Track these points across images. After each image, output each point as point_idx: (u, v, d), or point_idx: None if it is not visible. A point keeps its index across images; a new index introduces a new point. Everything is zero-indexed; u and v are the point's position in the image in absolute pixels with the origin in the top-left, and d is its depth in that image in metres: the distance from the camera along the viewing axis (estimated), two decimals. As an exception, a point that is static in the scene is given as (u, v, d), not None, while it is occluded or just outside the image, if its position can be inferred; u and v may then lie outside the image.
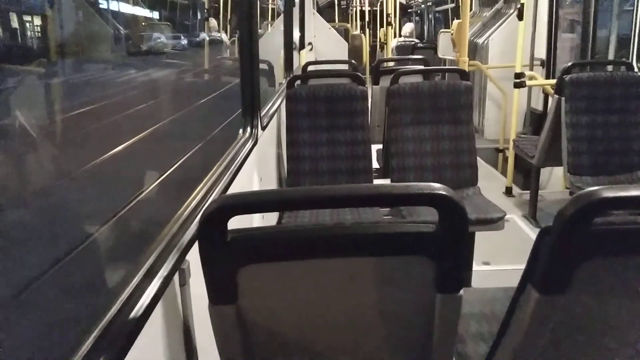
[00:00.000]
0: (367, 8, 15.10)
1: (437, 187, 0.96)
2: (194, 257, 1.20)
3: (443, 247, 1.01)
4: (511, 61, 4.73)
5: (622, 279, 1.04)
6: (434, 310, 1.07)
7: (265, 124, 2.69)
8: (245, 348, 1.11)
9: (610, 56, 4.98)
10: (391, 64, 5.95)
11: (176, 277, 1.21)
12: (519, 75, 4.27)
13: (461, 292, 1.06)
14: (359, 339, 1.15)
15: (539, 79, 5.03)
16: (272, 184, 3.12)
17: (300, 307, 1.09)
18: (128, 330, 0.97)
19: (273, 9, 12.76)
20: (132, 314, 1.00)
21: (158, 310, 1.09)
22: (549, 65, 5.61)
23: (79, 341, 0.89)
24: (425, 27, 15.26)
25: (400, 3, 13.03)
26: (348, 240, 1.02)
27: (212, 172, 1.80)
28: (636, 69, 3.93)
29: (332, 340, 1.15)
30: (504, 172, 5.25)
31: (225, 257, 1.00)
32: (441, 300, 1.05)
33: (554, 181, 5.11)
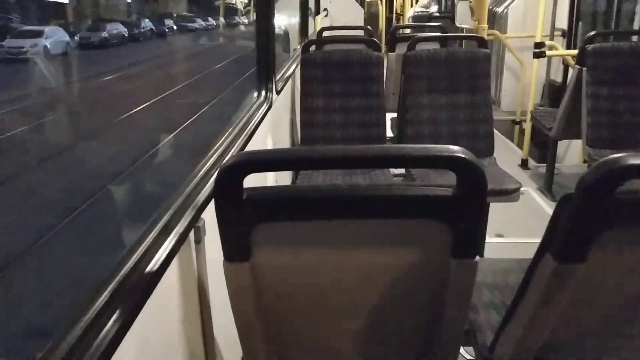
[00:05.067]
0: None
1: (456, 150, 0.94)
2: (209, 215, 1.20)
3: (460, 212, 0.99)
4: (530, 31, 4.63)
5: None
6: (448, 276, 1.06)
7: (279, 88, 2.66)
8: (258, 305, 1.12)
9: (635, 26, 4.83)
10: (408, 31, 5.83)
11: (192, 235, 1.22)
12: (539, 45, 4.17)
13: (476, 258, 1.04)
14: (372, 301, 1.15)
15: (559, 49, 4.91)
16: None
17: (313, 266, 1.09)
18: (144, 284, 0.98)
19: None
20: (148, 269, 1.01)
21: (173, 266, 1.10)
22: (570, 36, 5.47)
23: (94, 293, 0.89)
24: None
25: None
26: (364, 202, 1.01)
27: (226, 134, 1.79)
28: (662, 40, 3.81)
29: (344, 301, 1.15)
30: (520, 145, 5.18)
31: (240, 214, 1.00)
32: (456, 265, 1.04)
33: (571, 155, 5.04)
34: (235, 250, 1.04)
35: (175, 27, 12.84)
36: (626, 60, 3.16)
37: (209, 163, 1.50)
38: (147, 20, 10.37)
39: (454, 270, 1.05)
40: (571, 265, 1.01)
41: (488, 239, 2.91)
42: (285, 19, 6.12)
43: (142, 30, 10.35)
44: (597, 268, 1.01)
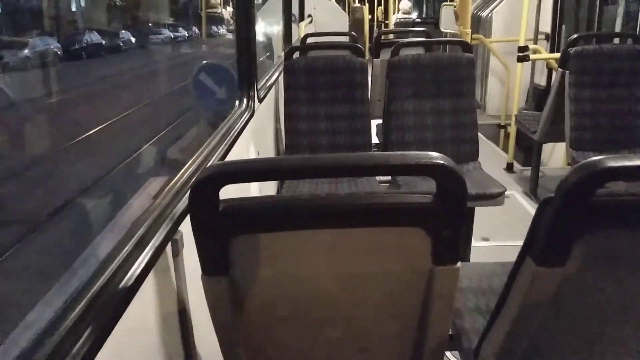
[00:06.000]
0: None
1: (435, 156, 0.93)
2: (187, 228, 1.18)
3: (440, 219, 0.98)
4: (515, 35, 4.65)
5: (623, 252, 1.01)
6: (430, 283, 1.05)
7: (262, 96, 2.64)
8: (239, 317, 1.10)
9: (617, 29, 4.88)
10: (392, 37, 5.86)
11: (169, 248, 1.20)
12: (522, 49, 4.19)
13: (458, 264, 1.03)
14: (354, 310, 1.13)
15: (543, 52, 4.95)
16: None
17: (294, 277, 1.07)
18: (118, 299, 0.96)
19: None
20: (122, 284, 0.98)
21: (150, 280, 1.08)
22: (553, 39, 5.52)
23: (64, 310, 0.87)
24: (424, 5, 15.07)
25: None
26: (342, 210, 0.99)
27: (206, 143, 1.76)
28: (643, 43, 3.84)
29: (326, 312, 1.14)
30: (505, 149, 5.21)
31: (216, 227, 0.98)
32: (437, 272, 1.03)
33: (556, 158, 5.08)
34: (213, 263, 1.01)
35: (133, 40, 10.38)
36: (608, 63, 3.19)
37: (187, 174, 1.48)
38: (94, 32, 8.29)
39: (435, 276, 1.04)
40: (552, 268, 1.00)
41: (474, 243, 2.91)
42: (268, 26, 6.07)
43: (84, 45, 7.99)
44: (578, 271, 1.00)
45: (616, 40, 4.31)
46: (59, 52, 6.52)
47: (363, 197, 1.02)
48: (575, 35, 3.44)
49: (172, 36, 12.60)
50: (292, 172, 1.06)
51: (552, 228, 0.96)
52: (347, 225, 1.00)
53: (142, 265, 1.05)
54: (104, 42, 8.84)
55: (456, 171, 0.93)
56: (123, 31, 9.86)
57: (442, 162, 0.92)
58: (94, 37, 8.37)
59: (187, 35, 13.31)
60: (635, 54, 3.21)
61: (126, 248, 1.08)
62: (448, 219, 0.98)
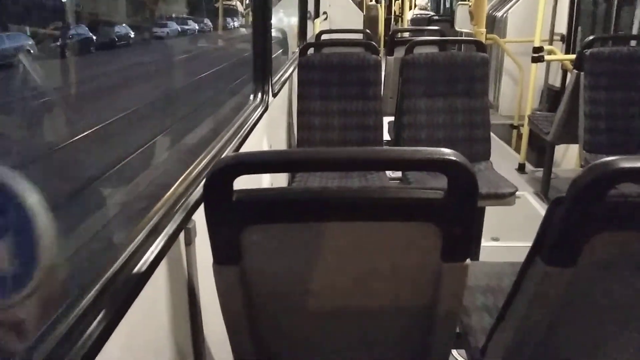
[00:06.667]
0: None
1: (448, 153, 0.94)
2: (200, 217, 1.20)
3: (451, 215, 0.98)
4: (530, 36, 4.62)
5: (634, 254, 1.01)
6: (439, 279, 1.05)
7: (276, 90, 2.66)
8: (248, 308, 1.11)
9: (634, 31, 4.83)
10: (407, 34, 5.85)
11: (182, 237, 1.22)
12: (537, 50, 4.17)
13: (467, 261, 1.04)
14: (362, 303, 1.14)
15: (558, 53, 4.92)
16: None
17: (304, 269, 1.09)
18: (131, 285, 0.98)
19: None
20: (135, 270, 1.00)
21: (162, 267, 1.10)
22: (569, 40, 5.47)
23: (79, 294, 0.89)
24: (442, 0, 14.94)
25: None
26: (354, 204, 1.00)
27: (220, 135, 1.79)
28: (660, 46, 3.81)
29: (335, 304, 1.15)
30: (517, 149, 5.18)
31: (229, 217, 0.99)
32: (447, 269, 1.04)
33: (568, 160, 5.04)
34: (225, 252, 1.03)
35: (131, 35, 8.82)
36: (624, 65, 3.16)
37: (202, 164, 1.50)
38: (81, 25, 6.92)
39: (444, 273, 1.04)
40: (561, 268, 1.00)
41: (484, 243, 2.91)
42: (284, 20, 6.06)
43: (67, 42, 6.54)
44: (587, 272, 1.00)
45: (633, 43, 4.28)
46: (32, 51, 5.18)
47: (375, 191, 1.03)
48: (591, 37, 3.42)
49: (180, 29, 11.20)
50: (307, 164, 1.08)
51: (563, 228, 0.96)
52: (359, 218, 1.01)
53: (156, 252, 1.06)
54: (95, 37, 7.50)
55: (468, 167, 0.93)
56: (119, 25, 8.57)
57: (454, 158, 0.93)
58: (82, 31, 7.09)
59: (197, 28, 12.06)
60: None
61: (140, 235, 1.09)
62: (459, 215, 0.99)
